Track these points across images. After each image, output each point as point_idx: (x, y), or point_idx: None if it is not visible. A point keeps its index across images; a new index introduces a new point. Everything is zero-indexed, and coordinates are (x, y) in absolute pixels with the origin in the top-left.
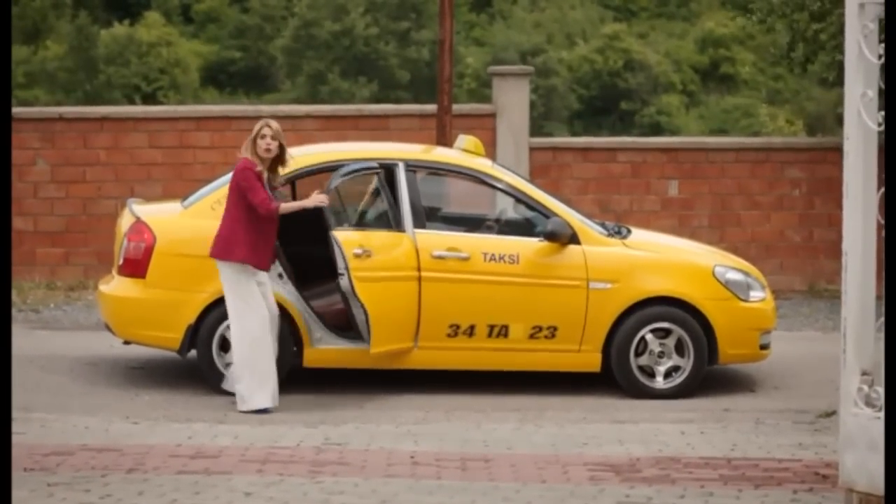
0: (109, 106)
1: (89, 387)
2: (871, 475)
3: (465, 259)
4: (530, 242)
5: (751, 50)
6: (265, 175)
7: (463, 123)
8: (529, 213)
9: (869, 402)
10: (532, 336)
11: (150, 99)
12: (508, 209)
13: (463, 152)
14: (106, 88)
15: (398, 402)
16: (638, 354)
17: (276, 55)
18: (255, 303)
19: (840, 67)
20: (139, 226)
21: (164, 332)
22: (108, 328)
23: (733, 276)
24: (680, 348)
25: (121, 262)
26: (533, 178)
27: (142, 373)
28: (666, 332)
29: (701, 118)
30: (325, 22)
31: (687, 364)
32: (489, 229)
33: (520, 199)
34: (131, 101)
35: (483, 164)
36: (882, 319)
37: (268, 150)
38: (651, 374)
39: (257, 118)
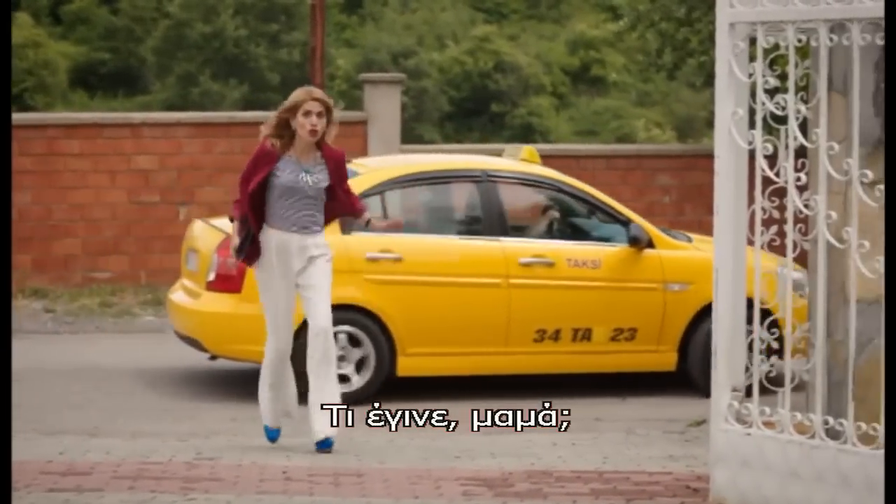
0: None
1: None
2: (741, 492)
3: (551, 265)
4: (611, 248)
5: (621, 52)
6: (281, 153)
7: None
8: (603, 220)
9: (739, 419)
10: (613, 338)
11: (16, 101)
12: (579, 216)
13: (526, 163)
14: None
15: None
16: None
17: (147, 56)
18: (268, 305)
19: (708, 73)
20: (230, 242)
21: (260, 347)
22: (192, 343)
23: (795, 276)
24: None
25: (211, 277)
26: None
27: (15, 384)
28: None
29: (571, 120)
30: (195, 23)
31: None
32: (567, 236)
33: (595, 205)
34: None
35: (558, 174)
36: (752, 337)
37: (313, 131)
38: None
39: (128, 125)
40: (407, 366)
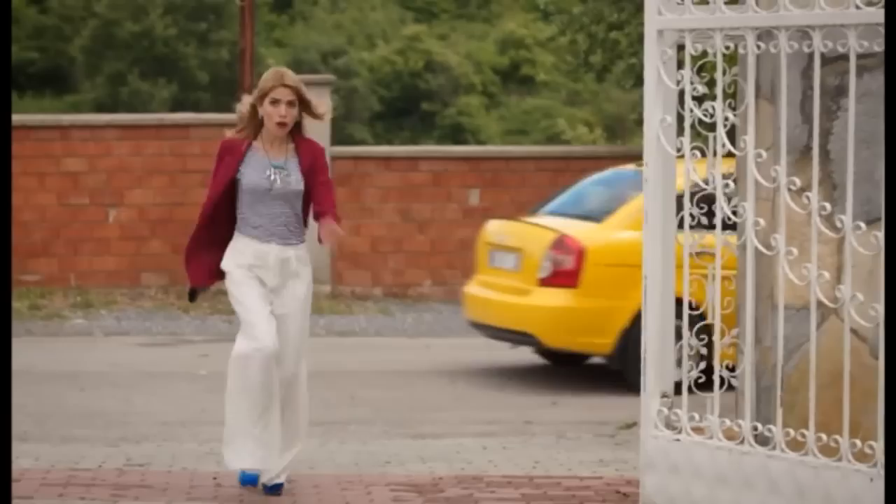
0: None
1: None
2: (671, 497)
3: None
4: None
5: (550, 52)
6: (246, 145)
7: None
8: None
9: (669, 425)
10: None
11: None
12: None
13: None
14: None
15: (199, 417)
16: None
17: (76, 56)
18: (242, 298)
19: (637, 74)
20: (566, 239)
21: (597, 339)
22: (513, 338)
23: None
24: None
25: (546, 274)
26: (335, 188)
27: None
28: None
29: (501, 119)
30: (124, 22)
31: None
32: None
33: None
34: None
35: None
36: (680, 344)
37: (282, 123)
38: None
39: (57, 128)
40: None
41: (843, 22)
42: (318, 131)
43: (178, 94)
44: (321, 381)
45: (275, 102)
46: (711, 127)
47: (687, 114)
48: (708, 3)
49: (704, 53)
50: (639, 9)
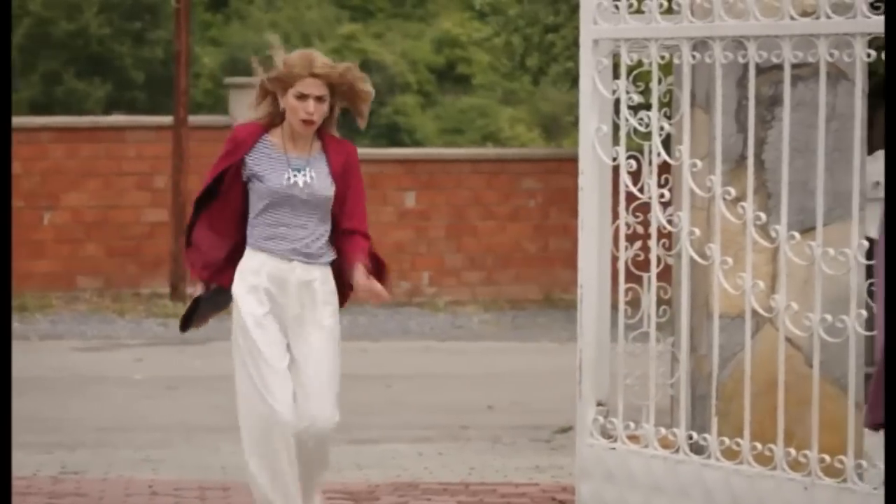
0: None
1: None
2: None
3: None
4: None
5: (486, 51)
6: (268, 143)
7: (199, 135)
8: None
9: (604, 433)
10: None
11: None
12: None
13: None
14: None
15: (135, 423)
16: None
17: (10, 54)
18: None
19: (572, 76)
20: None
21: None
22: None
23: None
24: None
25: None
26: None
27: None
28: None
29: (437, 118)
30: (59, 21)
31: None
32: None
33: None
34: None
35: None
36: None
37: (308, 121)
38: None
39: None
40: None
41: (777, 33)
42: None
43: (112, 93)
44: None
45: (302, 97)
46: (647, 136)
47: (622, 123)
48: (643, 12)
49: (640, 63)
50: (574, 11)
